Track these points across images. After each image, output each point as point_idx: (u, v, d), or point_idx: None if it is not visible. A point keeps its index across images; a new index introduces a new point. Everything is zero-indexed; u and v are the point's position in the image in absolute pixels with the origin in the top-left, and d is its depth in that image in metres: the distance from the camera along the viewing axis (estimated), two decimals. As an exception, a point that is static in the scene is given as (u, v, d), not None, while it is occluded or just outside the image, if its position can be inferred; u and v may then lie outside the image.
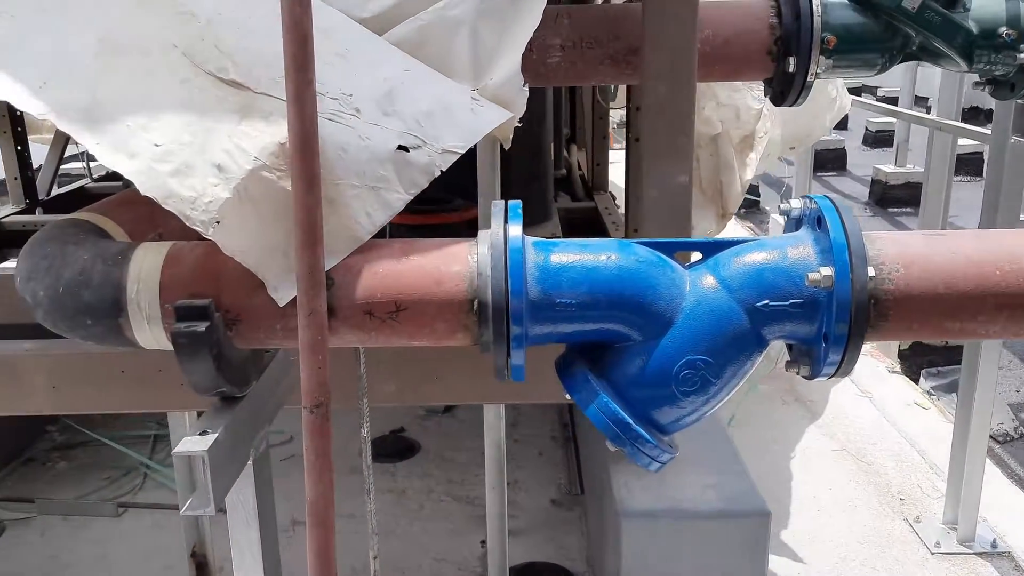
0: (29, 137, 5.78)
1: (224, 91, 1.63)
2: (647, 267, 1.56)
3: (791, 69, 2.48)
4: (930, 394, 6.72)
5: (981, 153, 13.94)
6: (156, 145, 1.55)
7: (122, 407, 2.70)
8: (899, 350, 7.28)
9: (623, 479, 2.78)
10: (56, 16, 1.73)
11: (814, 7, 2.44)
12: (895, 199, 13.18)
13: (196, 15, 1.70)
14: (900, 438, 5.81)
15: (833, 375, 1.57)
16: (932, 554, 4.58)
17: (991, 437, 5.33)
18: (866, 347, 1.59)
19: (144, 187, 1.53)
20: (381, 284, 1.58)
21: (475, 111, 1.88)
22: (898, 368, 7.06)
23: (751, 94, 4.71)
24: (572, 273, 1.54)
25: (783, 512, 4.79)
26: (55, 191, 5.80)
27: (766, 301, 1.53)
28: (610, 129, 5.89)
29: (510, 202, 1.63)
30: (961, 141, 8.02)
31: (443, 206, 3.59)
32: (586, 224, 4.65)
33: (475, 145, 1.86)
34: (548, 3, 2.02)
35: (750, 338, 1.55)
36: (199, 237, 1.59)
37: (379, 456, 5.16)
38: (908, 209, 12.49)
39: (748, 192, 5.80)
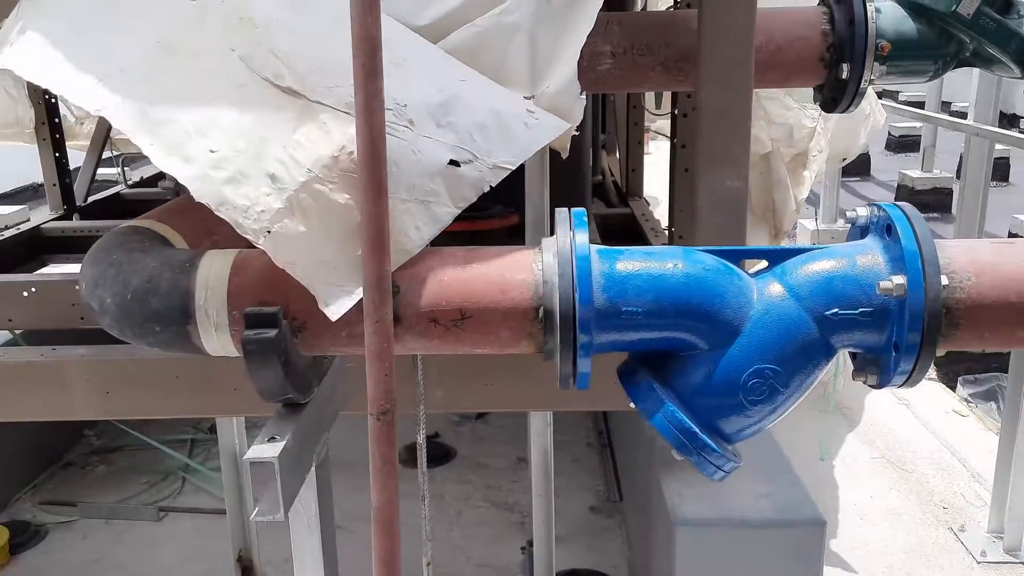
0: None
1: (279, 98, 1.63)
2: (714, 275, 1.55)
3: (844, 76, 2.47)
4: (968, 401, 6.65)
5: (1007, 158, 13.83)
6: (211, 151, 1.56)
7: (174, 412, 2.72)
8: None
9: (674, 487, 2.77)
10: (113, 17, 1.75)
11: (869, 13, 2.43)
12: (922, 204, 13.01)
13: (254, 20, 1.70)
14: (940, 446, 5.76)
15: (902, 384, 1.56)
16: (978, 563, 4.54)
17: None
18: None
19: (199, 193, 1.54)
20: (446, 292, 1.58)
21: (529, 125, 1.86)
22: (934, 375, 7.00)
23: (804, 112, 4.66)
24: (638, 281, 1.54)
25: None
26: (90, 196, 5.87)
27: (835, 310, 1.52)
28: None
29: (574, 210, 1.63)
30: (988, 146, 7.97)
31: (482, 212, 3.58)
32: (622, 230, 4.64)
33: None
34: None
35: (819, 347, 1.54)
36: (251, 245, 1.60)
37: (415, 462, 5.15)
38: (935, 215, 12.37)
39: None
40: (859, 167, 15.74)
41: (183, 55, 1.68)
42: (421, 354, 1.92)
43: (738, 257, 1.63)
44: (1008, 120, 14.46)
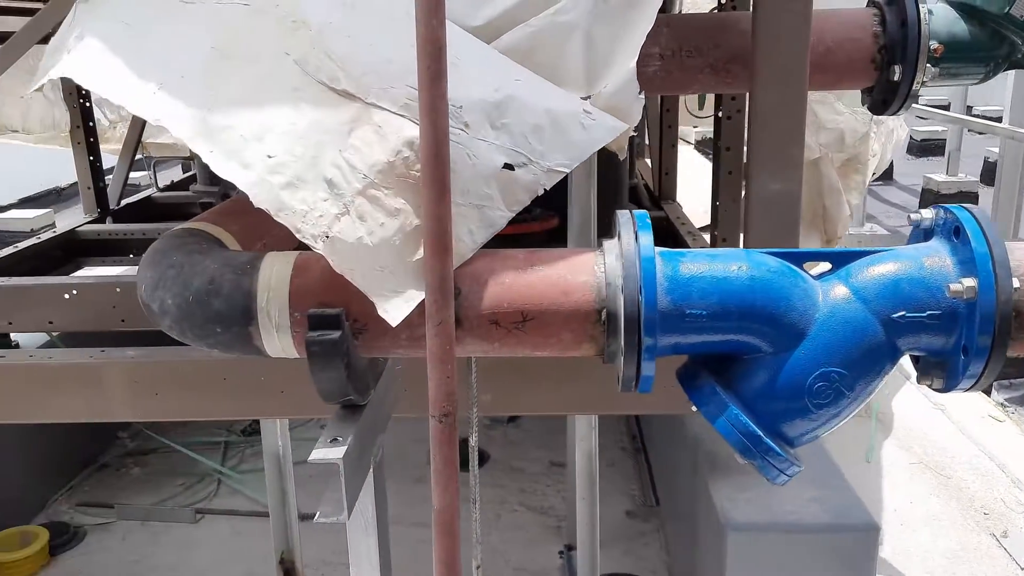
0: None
1: (335, 101, 1.63)
2: (779, 277, 1.54)
3: (896, 78, 2.45)
4: (1004, 406, 6.59)
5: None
6: (269, 156, 1.56)
7: (222, 414, 2.74)
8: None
9: (724, 492, 2.75)
10: (170, 24, 1.75)
11: (922, 15, 2.41)
12: (948, 209, 12.91)
13: (308, 24, 1.70)
14: (978, 451, 5.70)
15: (970, 388, 1.55)
16: (1022, 569, 4.48)
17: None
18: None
19: (258, 199, 1.55)
20: (508, 294, 1.58)
21: (586, 126, 1.84)
22: (970, 380, 6.92)
23: (856, 117, 4.62)
24: (702, 283, 1.53)
25: (866, 527, 4.72)
26: (122, 200, 5.92)
27: (903, 312, 1.50)
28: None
29: (636, 212, 1.62)
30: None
31: (521, 215, 3.57)
32: (656, 234, 4.60)
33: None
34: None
35: (884, 350, 1.52)
36: (300, 247, 1.60)
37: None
38: (962, 219, 12.24)
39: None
40: (882, 172, 15.63)
41: (238, 60, 1.68)
42: (479, 356, 1.92)
43: (801, 259, 1.61)
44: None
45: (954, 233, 1.53)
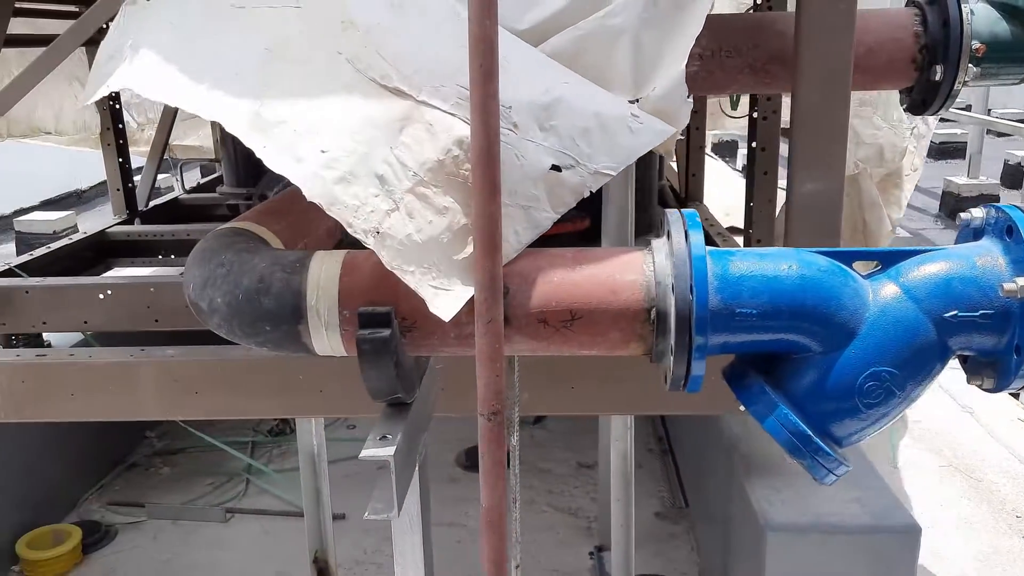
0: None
1: (387, 98, 1.64)
2: (829, 277, 1.54)
3: (937, 78, 2.45)
4: (1032, 409, 6.54)
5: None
6: (322, 151, 1.57)
7: (261, 412, 2.76)
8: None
9: (762, 493, 2.75)
10: (221, 24, 1.77)
11: (964, 15, 2.40)
12: (969, 212, 12.84)
13: (356, 24, 1.71)
14: (1008, 455, 5.66)
15: (1023, 388, 1.54)
16: (1056, 574, 4.45)
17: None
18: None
19: (311, 193, 1.56)
20: (556, 293, 1.58)
21: (634, 129, 1.84)
22: (998, 383, 6.86)
23: (895, 132, 4.56)
24: (753, 282, 1.53)
25: (897, 529, 4.69)
26: (150, 202, 5.99)
27: (954, 312, 1.50)
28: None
29: (686, 211, 1.62)
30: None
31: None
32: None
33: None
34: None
35: (935, 349, 1.52)
36: (339, 247, 1.60)
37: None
38: (983, 222, 12.17)
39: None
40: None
41: (291, 59, 1.70)
42: (527, 355, 1.92)
43: (850, 258, 1.61)
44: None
45: (1007, 232, 1.52)
